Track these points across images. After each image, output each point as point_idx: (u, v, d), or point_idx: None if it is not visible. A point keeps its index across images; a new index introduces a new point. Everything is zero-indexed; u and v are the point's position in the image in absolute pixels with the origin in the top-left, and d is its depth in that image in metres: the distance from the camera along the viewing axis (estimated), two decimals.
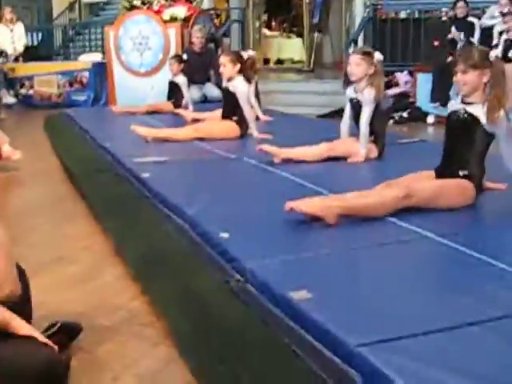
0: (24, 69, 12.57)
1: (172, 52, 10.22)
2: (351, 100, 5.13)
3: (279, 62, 18.03)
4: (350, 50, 5.18)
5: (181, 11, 10.47)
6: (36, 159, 6.57)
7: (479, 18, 9.67)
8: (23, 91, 12.44)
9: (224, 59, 6.16)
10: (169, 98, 8.80)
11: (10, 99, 12.05)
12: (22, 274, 2.37)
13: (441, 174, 3.70)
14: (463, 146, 3.61)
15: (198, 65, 9.68)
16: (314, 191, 4.00)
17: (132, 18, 10.77)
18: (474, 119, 3.56)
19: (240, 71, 6.15)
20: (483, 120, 3.52)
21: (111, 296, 3.06)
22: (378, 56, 5.00)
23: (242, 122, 6.21)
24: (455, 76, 3.64)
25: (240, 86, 6.08)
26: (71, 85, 11.90)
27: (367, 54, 4.98)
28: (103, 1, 20.25)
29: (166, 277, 2.99)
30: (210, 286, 2.79)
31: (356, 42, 10.91)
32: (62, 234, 4.07)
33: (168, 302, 2.80)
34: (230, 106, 6.22)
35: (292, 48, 18.62)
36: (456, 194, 3.55)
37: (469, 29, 9.29)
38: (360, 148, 4.95)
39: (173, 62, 8.64)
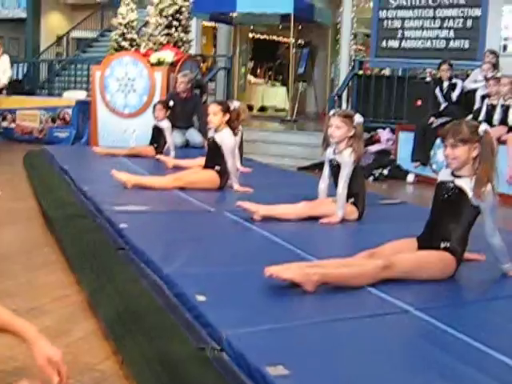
0: (7, 102, 12.54)
1: (157, 96, 10.27)
2: (330, 161, 5.15)
3: (262, 109, 18.16)
4: (331, 112, 5.18)
5: (168, 55, 10.54)
6: (14, 199, 6.50)
7: (462, 81, 9.82)
8: (5, 124, 12.41)
9: (215, 108, 6.15)
10: (151, 143, 8.80)
11: None
12: None
13: (423, 243, 3.69)
14: (449, 217, 3.62)
15: (182, 110, 9.71)
16: (293, 253, 4.00)
17: (119, 59, 10.82)
18: (461, 192, 3.57)
19: (227, 122, 6.16)
20: (470, 194, 3.53)
21: (82, 354, 2.97)
22: (358, 119, 5.04)
23: (224, 174, 6.21)
24: (444, 150, 3.66)
25: (226, 138, 6.09)
26: (54, 121, 11.90)
27: (348, 117, 5.01)
28: (91, 37, 20.37)
29: (139, 337, 2.92)
30: (185, 351, 2.73)
31: (340, 97, 11.03)
32: (36, 282, 3.98)
33: (141, 365, 2.73)
34: (214, 157, 6.21)
35: (276, 96, 18.83)
36: (437, 267, 3.54)
37: (452, 90, 9.41)
38: (337, 209, 4.95)
39: (159, 108, 8.65)
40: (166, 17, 11.08)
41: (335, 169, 5.07)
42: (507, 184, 7.90)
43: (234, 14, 15.92)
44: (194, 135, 10.03)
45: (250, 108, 17.11)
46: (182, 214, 5.18)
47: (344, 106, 11.71)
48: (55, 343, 3.04)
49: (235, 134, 6.38)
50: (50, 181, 7.04)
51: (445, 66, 9.49)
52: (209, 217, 5.10)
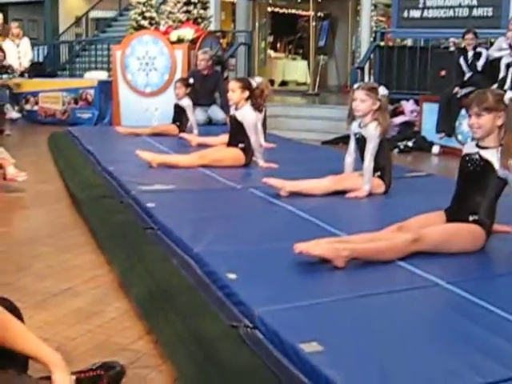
0: (29, 84, 12.60)
1: (178, 73, 10.24)
2: (356, 135, 5.12)
3: (284, 83, 18.08)
4: (355, 86, 5.14)
5: (188, 33, 10.50)
6: (41, 181, 6.53)
7: (487, 49, 9.68)
8: (28, 107, 12.46)
9: (234, 85, 6.14)
10: (174, 121, 8.78)
11: (14, 114, 12.06)
12: (16, 311, 2.30)
13: (451, 216, 3.66)
14: (475, 190, 3.58)
15: (203, 87, 9.70)
16: (321, 228, 4.00)
17: (139, 38, 10.79)
18: (487, 164, 3.53)
19: (248, 98, 6.14)
20: (496, 165, 3.49)
21: (115, 335, 3.01)
22: (382, 91, 4.99)
23: (248, 150, 6.20)
24: (469, 120, 3.62)
25: (248, 115, 6.07)
26: (76, 102, 11.92)
27: (372, 90, 4.97)
28: (110, 17, 20.32)
29: (171, 316, 2.95)
30: (218, 329, 2.74)
31: (362, 69, 10.93)
32: (66, 264, 4.02)
33: (174, 344, 2.75)
34: (237, 134, 6.20)
35: (297, 70, 18.72)
36: (467, 240, 3.52)
37: (477, 59, 9.29)
38: (364, 183, 4.92)
39: (178, 86, 8.62)
40: None
41: (361, 143, 5.04)
42: None
43: None
44: (216, 112, 10.01)
45: (272, 83, 17.05)
46: (208, 191, 5.19)
47: (366, 78, 11.61)
48: (88, 324, 3.11)
49: (260, 111, 6.36)
50: (76, 162, 7.06)
51: (469, 35, 9.36)
52: (235, 194, 5.10)
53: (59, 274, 3.85)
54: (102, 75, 12.66)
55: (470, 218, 3.56)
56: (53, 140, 9.04)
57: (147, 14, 12.08)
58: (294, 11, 19.63)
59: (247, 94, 6.10)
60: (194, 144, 7.44)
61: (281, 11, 19.42)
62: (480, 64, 9.11)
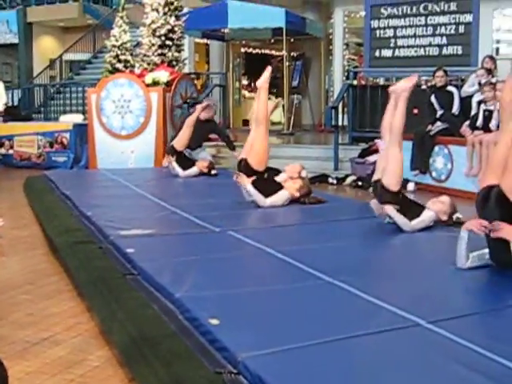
0: (4, 128, 12.62)
1: (154, 116, 10.34)
2: None
3: None
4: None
5: (163, 75, 10.59)
6: (17, 227, 6.50)
7: (457, 87, 9.85)
8: (3, 151, 12.42)
9: None
10: None
11: None
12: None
13: None
14: None
15: (198, 132, 9.88)
16: (301, 270, 4.01)
17: (114, 81, 10.86)
18: None
19: None
20: None
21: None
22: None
23: None
24: None
25: None
26: (51, 145, 11.91)
27: None
28: (84, 60, 20.42)
29: (154, 364, 2.93)
30: (202, 376, 2.73)
31: (336, 109, 11.06)
32: (46, 312, 3.99)
33: None
34: None
35: None
36: None
37: (447, 98, 9.44)
38: None
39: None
40: (159, 37, 11.11)
41: None
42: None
43: (226, 30, 16.02)
44: (203, 155, 10.09)
45: (247, 123, 17.15)
46: (188, 235, 5.19)
47: (340, 117, 11.74)
48: (70, 374, 3.09)
49: None
50: (52, 207, 7.04)
51: (439, 73, 9.53)
52: (214, 237, 5.10)
53: (39, 322, 3.81)
54: (77, 118, 12.69)
55: None
56: (29, 184, 9.01)
57: (122, 57, 12.17)
58: (267, 51, 19.84)
59: None
60: None
61: (254, 51, 19.62)
62: (455, 107, 9.25)
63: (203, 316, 3.16)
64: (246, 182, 6.32)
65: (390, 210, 5.11)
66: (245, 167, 6.59)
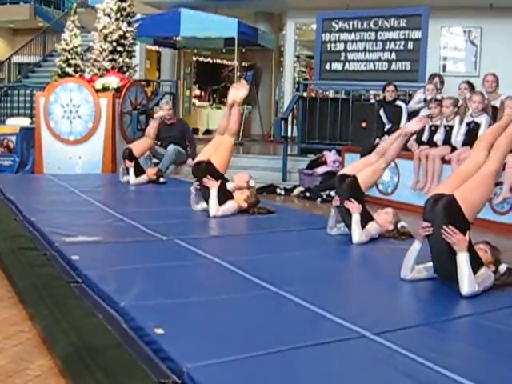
0: None
1: (103, 122, 10.25)
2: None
3: (208, 132, 18.20)
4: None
5: (113, 81, 10.50)
6: None
7: (405, 102, 10.01)
8: None
9: None
10: None
11: None
12: None
13: None
14: None
15: (168, 136, 10.30)
16: (247, 280, 4.01)
17: (64, 85, 10.73)
18: None
19: None
20: None
21: None
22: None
23: None
24: None
25: None
26: None
27: None
28: (33, 62, 20.14)
29: (98, 374, 2.89)
30: None
31: (286, 120, 11.12)
32: None
33: None
34: None
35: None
36: None
37: (396, 112, 9.58)
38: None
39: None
40: (110, 42, 11.01)
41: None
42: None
43: (178, 38, 15.97)
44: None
45: (196, 131, 17.13)
46: (134, 243, 5.14)
47: (289, 128, 11.81)
48: (11, 383, 3.01)
49: None
50: None
51: (390, 88, 9.69)
52: (161, 245, 5.07)
53: None
54: (25, 122, 12.47)
55: None
56: None
57: (72, 62, 12.01)
58: (218, 61, 19.86)
59: None
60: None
61: (205, 60, 19.62)
62: (403, 121, 9.38)
63: (148, 325, 3.13)
64: (214, 186, 6.32)
65: (356, 216, 5.27)
66: (206, 168, 6.48)
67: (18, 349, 3.45)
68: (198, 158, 6.76)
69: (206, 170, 6.47)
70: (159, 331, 3.05)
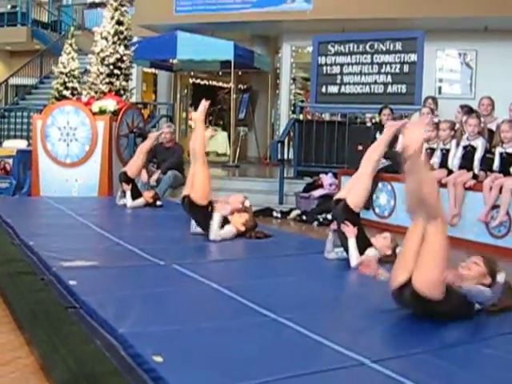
0: None
1: (99, 144, 10.27)
2: None
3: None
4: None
5: (110, 104, 10.54)
6: None
7: None
8: None
9: None
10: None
11: None
12: None
13: None
14: None
15: (164, 160, 10.50)
16: (247, 307, 4.00)
17: (61, 108, 10.76)
18: None
19: None
20: None
21: None
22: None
23: None
24: None
25: None
26: None
27: None
28: (30, 84, 20.20)
29: None
30: None
31: (282, 143, 11.15)
32: None
33: None
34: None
35: (217, 141, 18.92)
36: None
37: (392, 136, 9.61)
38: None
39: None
40: (107, 65, 11.07)
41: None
42: (449, 226, 8.07)
43: (175, 61, 16.05)
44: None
45: None
46: (132, 268, 5.12)
47: (286, 150, 11.85)
48: None
49: None
50: None
51: (386, 111, 9.75)
52: (159, 271, 5.05)
53: None
54: (21, 144, 12.50)
55: None
56: None
57: (69, 85, 12.08)
58: (214, 83, 19.95)
59: None
60: None
61: (202, 83, 19.71)
62: (399, 144, 9.40)
63: (146, 353, 3.11)
64: (219, 211, 6.41)
65: (352, 240, 5.30)
66: (188, 204, 6.53)
67: (16, 375, 3.43)
68: (184, 192, 6.79)
69: (186, 204, 6.61)
70: (158, 359, 3.04)
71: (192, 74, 18.76)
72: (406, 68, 11.58)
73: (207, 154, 18.05)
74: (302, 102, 16.47)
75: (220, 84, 19.88)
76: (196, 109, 19.99)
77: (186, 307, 4.05)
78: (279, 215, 10.10)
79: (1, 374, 3.44)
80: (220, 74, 18.28)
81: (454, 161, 8.28)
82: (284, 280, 4.89)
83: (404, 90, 11.58)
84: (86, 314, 3.96)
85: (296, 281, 4.91)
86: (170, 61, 16.17)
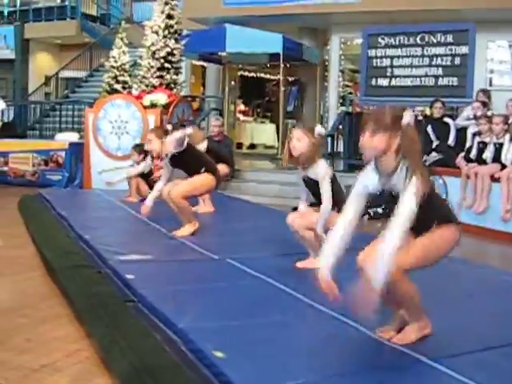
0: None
1: None
2: (303, 179, 5.13)
3: (252, 146, 18.29)
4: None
5: (161, 98, 10.64)
6: (13, 246, 6.48)
7: (452, 118, 9.95)
8: None
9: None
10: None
11: None
12: None
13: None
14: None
15: (216, 153, 10.10)
16: (301, 301, 4.02)
17: (112, 101, 10.90)
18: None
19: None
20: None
21: None
22: (318, 130, 5.03)
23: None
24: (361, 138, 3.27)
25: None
26: (46, 164, 11.90)
27: (309, 129, 4.99)
28: (80, 77, 20.47)
29: None
30: None
31: (333, 137, 11.12)
32: (45, 337, 3.96)
33: None
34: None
35: (265, 134, 18.93)
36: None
37: (444, 129, 9.53)
38: (317, 226, 4.93)
39: (132, 152, 8.82)
40: (158, 59, 11.16)
41: (312, 186, 5.06)
42: (502, 221, 7.98)
43: (223, 54, 16.09)
44: None
45: (240, 146, 17.23)
46: (186, 262, 5.20)
47: (335, 143, 11.82)
48: None
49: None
50: (49, 227, 7.02)
51: (438, 104, 9.65)
52: (213, 265, 5.11)
53: (38, 347, 3.78)
54: (73, 137, 12.71)
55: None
56: (23, 203, 8.98)
57: (120, 78, 12.20)
58: (262, 75, 19.93)
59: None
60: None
61: (250, 75, 19.71)
62: (451, 139, 9.34)
63: (207, 348, 3.16)
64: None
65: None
66: None
67: (78, 367, 3.50)
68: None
69: None
70: (219, 354, 3.08)
71: (240, 66, 18.78)
72: (457, 60, 11.41)
73: (254, 146, 18.19)
74: (351, 94, 16.38)
75: (268, 76, 19.84)
76: (244, 102, 19.98)
77: (244, 302, 4.07)
78: None
79: (64, 365, 3.52)
80: (268, 66, 18.26)
81: (507, 155, 8.17)
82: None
83: (455, 83, 11.42)
84: (144, 308, 4.02)
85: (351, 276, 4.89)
86: (219, 53, 16.22)
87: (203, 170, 6.39)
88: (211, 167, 6.47)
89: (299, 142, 4.92)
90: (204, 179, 6.41)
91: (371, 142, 3.20)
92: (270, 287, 4.43)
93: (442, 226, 3.35)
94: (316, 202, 5.09)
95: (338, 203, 4.90)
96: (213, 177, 6.41)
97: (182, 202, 6.29)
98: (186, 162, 6.38)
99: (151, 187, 8.49)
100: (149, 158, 8.56)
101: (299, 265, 5.01)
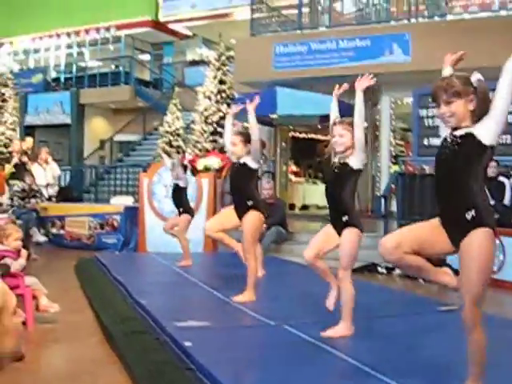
0: (56, 209, 12.89)
1: (204, 201, 10.47)
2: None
3: (305, 207, 18.31)
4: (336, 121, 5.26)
5: (214, 162, 10.79)
6: (71, 311, 6.53)
7: (508, 177, 9.84)
8: (54, 230, 12.65)
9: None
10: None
11: (40, 238, 12.20)
12: None
13: (447, 221, 3.42)
14: (465, 176, 3.42)
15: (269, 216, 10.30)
16: (368, 374, 3.96)
17: (166, 166, 11.04)
18: (470, 137, 3.39)
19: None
20: (481, 137, 3.35)
21: None
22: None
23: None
24: (438, 109, 3.42)
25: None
26: (102, 227, 12.10)
27: (350, 124, 5.14)
28: (134, 141, 20.89)
29: None
30: None
31: (386, 198, 11.09)
32: None
33: None
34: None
35: (317, 194, 18.95)
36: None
37: (499, 188, 9.43)
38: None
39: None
40: (210, 124, 11.37)
41: (338, 174, 5.16)
42: None
43: (275, 116, 16.27)
44: None
45: (293, 207, 17.24)
46: (243, 328, 5.19)
47: (388, 204, 11.78)
48: None
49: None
50: (105, 292, 7.12)
51: (492, 164, 9.56)
52: (270, 331, 5.08)
53: None
54: (128, 201, 12.92)
55: (468, 216, 3.30)
56: (80, 266, 9.14)
57: (174, 143, 12.44)
58: (313, 136, 20.07)
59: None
60: None
61: (301, 136, 19.86)
62: (507, 197, 9.23)
63: None
64: None
65: None
66: None
67: None
68: None
69: None
70: None
71: (291, 127, 18.95)
72: (510, 118, 11.30)
73: (306, 207, 18.19)
74: (402, 152, 16.34)
75: (319, 137, 19.97)
76: (296, 162, 20.07)
77: (302, 372, 4.04)
78: (384, 271, 9.95)
79: None
80: (319, 127, 18.38)
81: None
82: (396, 341, 4.82)
83: (509, 141, 11.26)
84: (201, 376, 4.02)
85: (410, 343, 4.83)
86: (271, 116, 16.39)
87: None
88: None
89: (342, 137, 5.07)
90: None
91: (449, 109, 3.34)
92: (329, 355, 4.38)
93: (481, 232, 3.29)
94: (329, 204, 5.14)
95: (348, 211, 5.05)
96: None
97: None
98: None
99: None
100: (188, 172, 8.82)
101: (324, 334, 4.88)
